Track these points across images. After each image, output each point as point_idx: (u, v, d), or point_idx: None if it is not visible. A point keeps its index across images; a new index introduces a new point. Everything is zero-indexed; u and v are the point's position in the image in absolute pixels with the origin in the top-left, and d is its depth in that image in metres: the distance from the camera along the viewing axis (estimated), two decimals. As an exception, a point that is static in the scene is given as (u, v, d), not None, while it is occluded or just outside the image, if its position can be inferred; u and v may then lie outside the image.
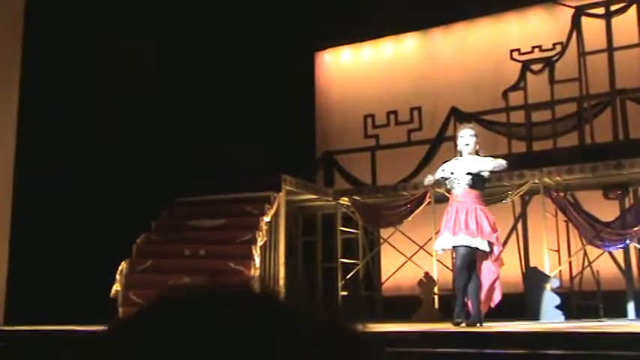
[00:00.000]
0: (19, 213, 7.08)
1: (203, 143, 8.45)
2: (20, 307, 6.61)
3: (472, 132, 6.03)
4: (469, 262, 5.79)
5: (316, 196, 9.23)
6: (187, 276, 5.95)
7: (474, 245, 5.75)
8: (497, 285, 5.95)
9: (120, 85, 8.04)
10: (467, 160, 5.95)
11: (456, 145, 6.45)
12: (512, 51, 10.00)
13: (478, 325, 5.67)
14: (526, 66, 9.72)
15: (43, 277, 7.00)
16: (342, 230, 9.52)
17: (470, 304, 5.81)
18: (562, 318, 7.24)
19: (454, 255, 6.26)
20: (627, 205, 8.36)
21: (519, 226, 9.13)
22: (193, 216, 7.93)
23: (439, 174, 6.10)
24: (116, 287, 6.94)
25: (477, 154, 5.97)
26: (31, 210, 7.17)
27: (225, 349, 0.50)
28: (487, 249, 5.78)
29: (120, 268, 7.05)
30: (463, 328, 5.59)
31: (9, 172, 7.04)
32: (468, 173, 5.88)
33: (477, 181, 5.91)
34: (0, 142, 6.99)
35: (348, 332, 0.57)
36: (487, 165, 5.89)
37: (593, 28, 9.37)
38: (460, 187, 5.92)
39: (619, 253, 8.44)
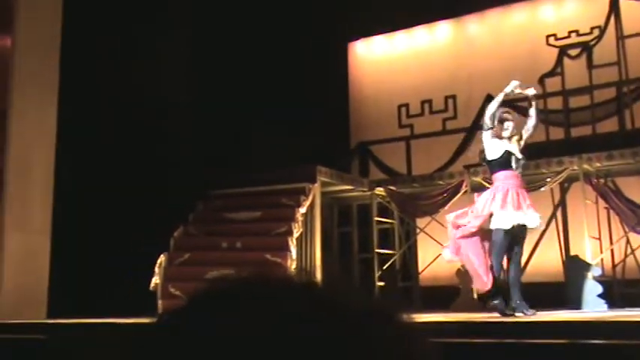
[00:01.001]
0: (60, 208, 7.20)
1: (238, 136, 8.50)
2: (62, 300, 6.73)
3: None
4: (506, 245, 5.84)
5: (351, 187, 9.22)
6: (225, 268, 5.99)
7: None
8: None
9: (157, 80, 8.12)
10: None
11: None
12: (548, 36, 9.83)
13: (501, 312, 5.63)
14: (563, 51, 9.54)
15: (84, 271, 7.13)
16: (378, 220, 9.50)
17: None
18: (605, 307, 7.12)
19: None
20: (670, 190, 8.18)
21: (559, 213, 8.99)
22: (229, 208, 7.99)
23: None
24: (155, 280, 7.03)
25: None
26: (71, 204, 7.29)
27: (267, 338, 0.49)
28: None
29: (159, 261, 7.14)
30: (501, 318, 5.53)
31: (50, 168, 7.16)
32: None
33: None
34: (41, 137, 7.10)
35: (387, 320, 0.56)
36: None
37: (631, 11, 9.15)
38: None
39: (663, 240, 8.27)
